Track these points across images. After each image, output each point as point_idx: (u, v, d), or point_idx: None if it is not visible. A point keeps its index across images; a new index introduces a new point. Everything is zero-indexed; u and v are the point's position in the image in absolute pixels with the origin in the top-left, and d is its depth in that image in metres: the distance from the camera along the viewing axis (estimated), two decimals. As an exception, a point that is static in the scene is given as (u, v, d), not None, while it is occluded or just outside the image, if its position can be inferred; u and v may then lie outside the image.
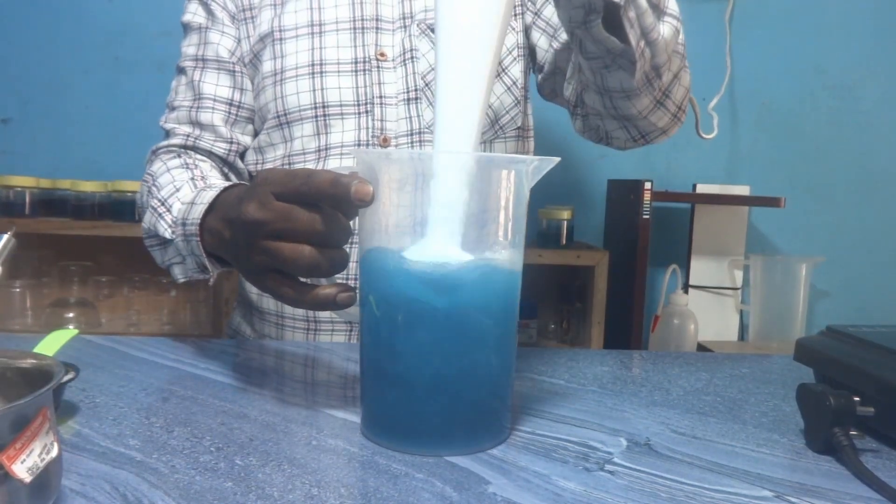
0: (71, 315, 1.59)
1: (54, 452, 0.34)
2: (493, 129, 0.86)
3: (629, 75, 0.65)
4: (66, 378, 0.49)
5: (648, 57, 0.65)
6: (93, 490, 0.39)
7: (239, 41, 0.87)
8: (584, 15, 0.61)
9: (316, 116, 0.82)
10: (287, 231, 0.49)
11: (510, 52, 0.86)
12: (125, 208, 1.56)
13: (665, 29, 0.64)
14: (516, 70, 0.87)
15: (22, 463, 0.31)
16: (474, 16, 0.51)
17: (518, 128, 0.89)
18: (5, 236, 0.46)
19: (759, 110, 1.86)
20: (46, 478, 0.33)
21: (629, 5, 0.59)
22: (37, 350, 0.48)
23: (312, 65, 0.82)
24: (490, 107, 0.84)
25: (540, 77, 0.89)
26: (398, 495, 0.40)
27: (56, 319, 1.58)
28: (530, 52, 0.89)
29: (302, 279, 0.51)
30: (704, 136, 1.02)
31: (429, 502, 0.39)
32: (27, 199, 1.59)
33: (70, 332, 0.53)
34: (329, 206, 0.48)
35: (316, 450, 0.46)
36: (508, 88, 0.86)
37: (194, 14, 0.88)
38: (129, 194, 1.55)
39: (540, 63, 0.88)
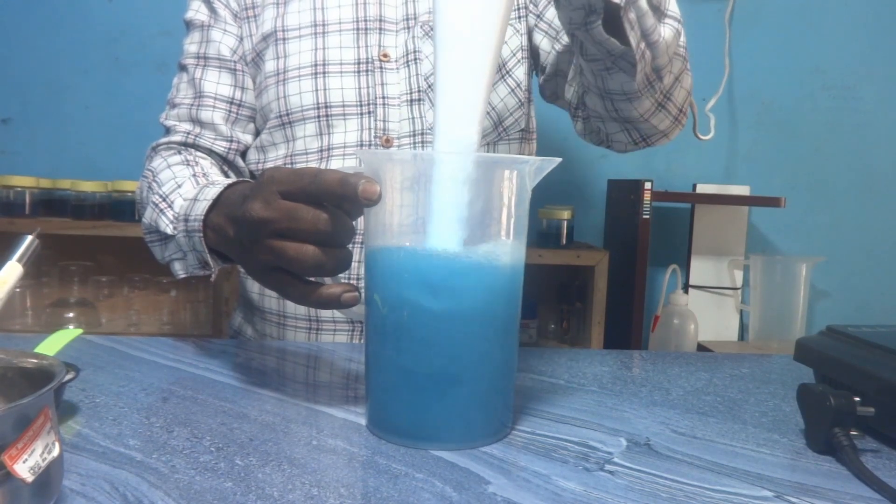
0: (71, 315, 1.59)
1: (56, 452, 0.34)
2: (496, 132, 0.86)
3: (630, 77, 0.65)
4: (66, 378, 0.49)
5: (649, 59, 0.64)
6: (93, 490, 0.39)
7: (241, 39, 0.87)
8: (585, 16, 0.61)
9: (318, 117, 0.82)
10: (292, 230, 0.49)
11: (514, 55, 0.86)
12: (125, 208, 1.56)
13: (666, 31, 0.64)
14: (520, 72, 0.87)
15: (24, 462, 0.32)
16: (474, 11, 0.51)
17: (522, 130, 0.88)
18: (28, 238, 0.46)
19: (759, 110, 1.86)
20: (48, 477, 0.33)
21: (629, 7, 0.59)
22: (38, 350, 0.48)
23: (315, 65, 0.82)
24: (494, 109, 0.84)
25: (541, 79, 0.89)
26: (398, 495, 0.40)
27: (56, 319, 1.58)
28: (532, 54, 0.89)
29: (307, 278, 0.51)
30: (702, 137, 1.02)
31: (429, 502, 0.39)
32: (27, 199, 1.59)
33: (73, 331, 0.53)
34: (335, 205, 0.49)
35: (316, 450, 0.46)
36: (512, 90, 0.86)
37: (197, 11, 0.88)
38: (129, 194, 1.55)
39: (542, 65, 0.88)
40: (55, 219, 1.58)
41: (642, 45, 0.63)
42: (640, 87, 0.67)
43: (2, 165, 1.71)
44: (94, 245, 1.65)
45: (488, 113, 0.84)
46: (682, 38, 0.68)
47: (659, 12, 0.63)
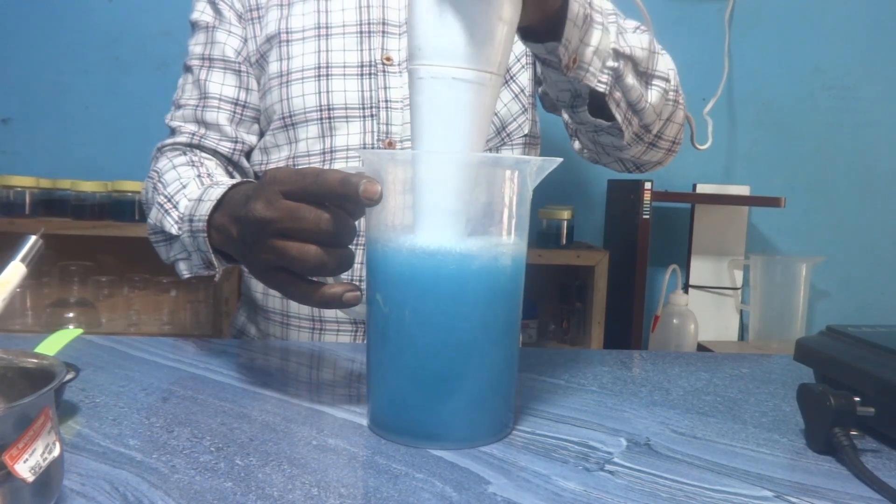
0: (71, 315, 1.59)
1: (56, 452, 0.34)
2: (499, 137, 0.86)
3: (618, 139, 0.69)
4: (66, 378, 0.49)
5: (636, 123, 0.68)
6: (93, 490, 0.39)
7: (245, 41, 0.87)
8: (571, 98, 0.62)
9: (321, 119, 0.82)
10: (294, 230, 0.49)
11: (518, 60, 0.86)
12: (125, 208, 1.56)
13: (653, 95, 0.67)
14: (524, 78, 0.87)
15: (24, 462, 0.32)
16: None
17: (526, 135, 0.89)
18: (32, 238, 0.46)
19: (759, 110, 1.86)
20: (48, 477, 0.33)
21: (615, 88, 0.60)
22: (39, 349, 0.48)
23: (318, 67, 0.82)
24: (497, 114, 0.85)
25: (541, 90, 0.90)
26: (398, 495, 0.40)
27: (56, 319, 1.58)
28: (533, 60, 0.89)
29: (309, 278, 0.51)
30: (699, 147, 1.03)
31: (429, 502, 0.39)
32: (27, 199, 1.59)
33: (74, 331, 0.53)
34: (337, 204, 0.49)
35: (316, 450, 0.46)
36: (516, 96, 0.86)
37: (202, 13, 0.88)
38: (130, 194, 1.55)
39: (540, 76, 0.88)
40: (55, 219, 1.58)
41: (629, 114, 0.65)
42: (630, 142, 0.70)
43: (2, 165, 1.70)
44: (94, 245, 1.65)
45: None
46: (674, 83, 0.70)
47: (646, 76, 0.65)
